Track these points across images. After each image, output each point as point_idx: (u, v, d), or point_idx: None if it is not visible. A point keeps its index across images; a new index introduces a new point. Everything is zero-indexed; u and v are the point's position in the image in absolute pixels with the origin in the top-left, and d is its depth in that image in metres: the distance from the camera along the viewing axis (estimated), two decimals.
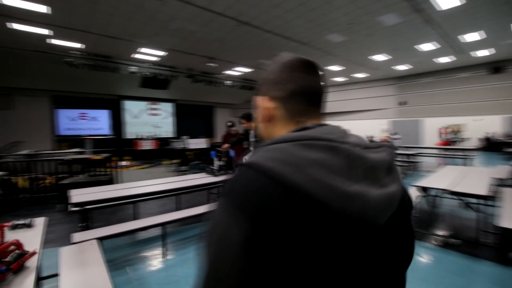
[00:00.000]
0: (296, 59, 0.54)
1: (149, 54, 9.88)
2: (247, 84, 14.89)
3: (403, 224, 0.48)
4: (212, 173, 4.10)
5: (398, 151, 10.11)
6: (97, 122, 5.18)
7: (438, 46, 9.22)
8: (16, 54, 9.36)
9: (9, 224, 1.98)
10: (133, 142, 14.33)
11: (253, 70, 12.50)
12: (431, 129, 14.08)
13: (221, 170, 4.11)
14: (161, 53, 9.76)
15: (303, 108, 0.52)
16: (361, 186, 0.39)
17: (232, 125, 5.05)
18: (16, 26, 6.99)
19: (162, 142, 14.87)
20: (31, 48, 8.79)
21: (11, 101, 12.06)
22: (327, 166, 0.38)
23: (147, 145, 14.29)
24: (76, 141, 10.06)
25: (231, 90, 15.63)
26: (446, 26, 7.43)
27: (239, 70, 12.68)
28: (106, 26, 7.22)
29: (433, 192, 3.80)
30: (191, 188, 3.58)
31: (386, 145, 0.48)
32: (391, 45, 9.04)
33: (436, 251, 3.10)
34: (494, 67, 12.02)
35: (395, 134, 12.33)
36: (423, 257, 2.98)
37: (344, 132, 0.46)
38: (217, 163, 4.12)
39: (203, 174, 4.24)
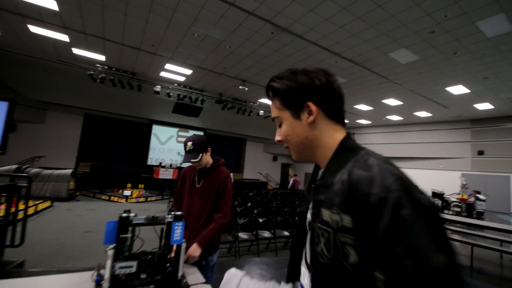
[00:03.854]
0: None
1: (175, 72, 8.89)
2: None
3: None
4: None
5: (484, 221, 7.02)
6: None
7: None
8: (47, 66, 9.09)
9: None
10: (153, 169, 13.11)
11: None
12: None
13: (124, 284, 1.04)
14: (188, 71, 8.68)
15: None
16: None
17: (197, 149, 1.70)
18: (34, 29, 6.42)
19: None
20: (56, 59, 8.33)
21: (45, 116, 12.00)
22: None
23: (167, 175, 12.90)
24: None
25: (265, 122, 14.07)
26: None
27: None
28: (122, 32, 6.27)
29: None
30: None
31: None
32: (484, 70, 6.61)
33: None
34: None
35: (478, 193, 9.02)
36: None
37: None
38: (109, 264, 1.01)
39: None
